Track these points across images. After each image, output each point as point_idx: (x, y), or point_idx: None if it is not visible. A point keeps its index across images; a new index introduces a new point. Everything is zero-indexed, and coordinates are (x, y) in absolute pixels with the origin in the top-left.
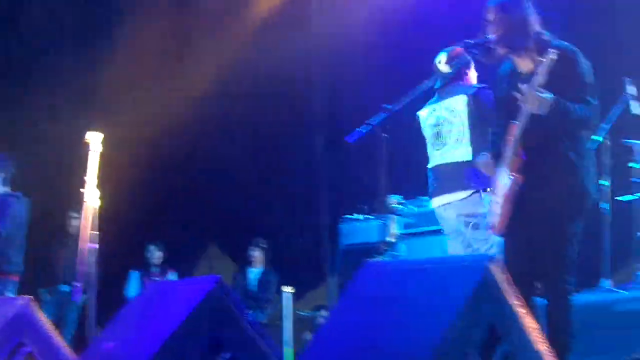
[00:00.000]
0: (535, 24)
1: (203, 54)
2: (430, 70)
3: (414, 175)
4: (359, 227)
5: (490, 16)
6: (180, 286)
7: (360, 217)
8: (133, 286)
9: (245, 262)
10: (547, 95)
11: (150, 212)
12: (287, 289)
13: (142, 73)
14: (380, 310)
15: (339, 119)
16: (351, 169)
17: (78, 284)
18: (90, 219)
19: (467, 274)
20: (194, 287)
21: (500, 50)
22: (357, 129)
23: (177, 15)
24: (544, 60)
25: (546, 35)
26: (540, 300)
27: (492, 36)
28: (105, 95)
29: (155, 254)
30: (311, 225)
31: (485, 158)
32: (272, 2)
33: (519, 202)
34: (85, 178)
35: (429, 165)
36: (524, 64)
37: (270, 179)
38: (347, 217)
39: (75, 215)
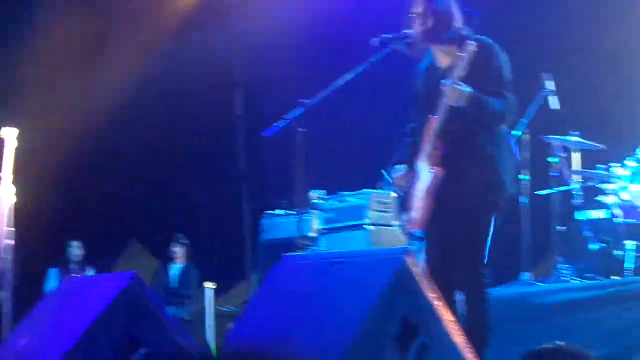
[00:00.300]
0: (458, 18)
1: (122, 50)
2: (347, 65)
3: (336, 171)
4: (280, 223)
5: (418, 8)
6: (96, 282)
7: (281, 212)
8: (52, 283)
9: (166, 259)
10: (466, 88)
11: (69, 208)
12: (209, 285)
13: (59, 69)
14: (297, 304)
15: (259, 115)
16: (272, 164)
17: None
18: (5, 215)
19: (383, 267)
20: (109, 282)
21: (420, 45)
22: (274, 124)
23: (96, 9)
24: (463, 53)
25: (466, 30)
26: (460, 294)
27: (417, 29)
28: (21, 91)
29: (75, 251)
30: (233, 221)
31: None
32: None
33: (438, 195)
34: (0, 174)
35: None
36: (443, 59)
37: (192, 175)
38: (268, 213)
39: None
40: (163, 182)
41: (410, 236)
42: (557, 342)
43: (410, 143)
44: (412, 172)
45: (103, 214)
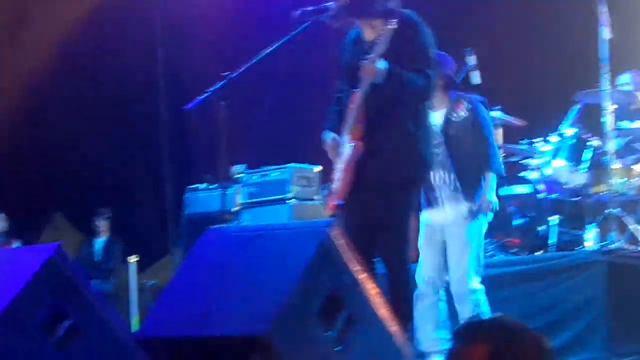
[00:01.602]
0: None
1: (42, 22)
2: (268, 39)
3: (259, 145)
4: (202, 197)
5: None
6: (19, 254)
7: (204, 186)
8: None
9: (90, 232)
10: (382, 64)
11: None
12: (132, 259)
13: None
14: (221, 277)
15: (182, 89)
16: (195, 138)
17: None
18: None
19: (307, 239)
20: (32, 254)
21: (348, 18)
22: (197, 97)
23: None
24: (385, 29)
25: (393, 4)
26: (380, 268)
27: (339, 2)
28: None
29: (3, 223)
30: (156, 196)
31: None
32: None
33: (357, 169)
34: None
35: None
36: (369, 32)
37: (115, 149)
38: (191, 187)
39: None
40: (87, 155)
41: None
42: (497, 314)
43: (335, 112)
44: (338, 141)
45: (27, 186)
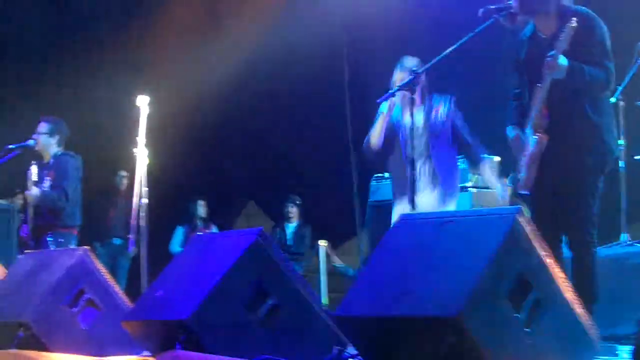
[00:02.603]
0: None
1: (236, 22)
2: (457, 34)
3: None
4: (387, 185)
5: None
6: (225, 237)
7: (388, 175)
8: (178, 239)
9: (281, 218)
10: (564, 60)
11: (195, 170)
12: (322, 243)
13: (183, 43)
14: (414, 261)
15: (365, 84)
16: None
17: (131, 237)
18: (141, 176)
19: (496, 225)
20: (238, 238)
21: (522, 15)
22: (388, 92)
23: None
24: (566, 27)
25: (566, 1)
26: (566, 253)
27: (514, 1)
28: (152, 62)
29: (202, 209)
30: (343, 183)
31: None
32: None
33: (544, 160)
34: (137, 138)
35: None
36: (545, 28)
37: (305, 141)
38: (376, 176)
39: (124, 173)
40: (278, 147)
41: (518, 196)
42: None
43: (516, 107)
44: (521, 135)
45: (225, 176)
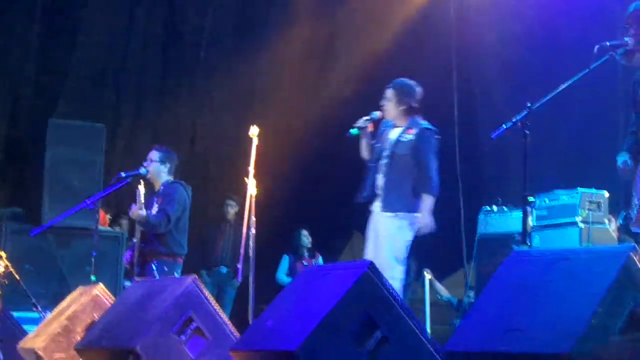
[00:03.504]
0: None
1: (346, 56)
2: (566, 70)
3: (550, 169)
4: (495, 218)
5: (630, 20)
6: (334, 269)
7: (497, 208)
8: (284, 268)
9: None
10: None
11: (300, 200)
12: (428, 274)
13: (292, 73)
14: (526, 296)
15: (474, 117)
16: (485, 164)
17: (239, 265)
18: (250, 205)
19: (609, 262)
20: (348, 270)
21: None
22: (502, 126)
23: (323, 17)
24: None
25: None
26: None
27: (630, 39)
28: (259, 94)
29: (306, 239)
30: (451, 215)
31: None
32: (415, 4)
33: None
34: (249, 168)
35: None
36: None
37: None
38: (484, 209)
39: (232, 202)
40: None
41: (630, 234)
42: None
43: (630, 139)
44: (629, 161)
45: (331, 207)
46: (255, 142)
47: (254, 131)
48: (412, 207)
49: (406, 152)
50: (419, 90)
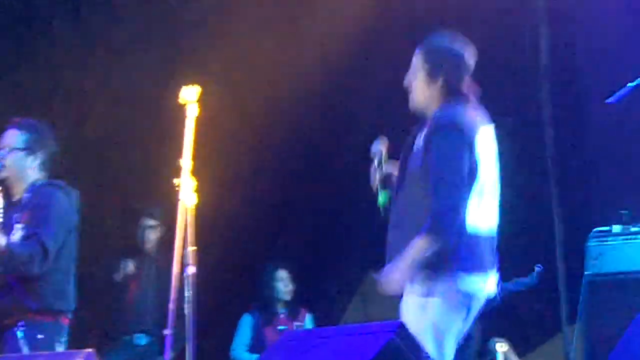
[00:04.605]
0: None
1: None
2: None
3: None
4: (617, 246)
5: None
6: (340, 335)
7: (619, 229)
8: (244, 337)
9: None
10: None
11: (269, 215)
12: (501, 347)
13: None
14: None
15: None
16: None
17: (168, 332)
18: (185, 227)
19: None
20: (364, 336)
21: None
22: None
23: None
24: None
25: None
26: None
27: None
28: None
29: (285, 286)
30: (536, 248)
31: None
32: None
33: None
34: (181, 161)
35: None
36: None
37: None
38: (597, 231)
39: (152, 222)
40: None
41: None
42: None
43: None
44: None
45: (326, 228)
46: (192, 113)
47: (188, 94)
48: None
49: (414, 169)
50: (467, 53)
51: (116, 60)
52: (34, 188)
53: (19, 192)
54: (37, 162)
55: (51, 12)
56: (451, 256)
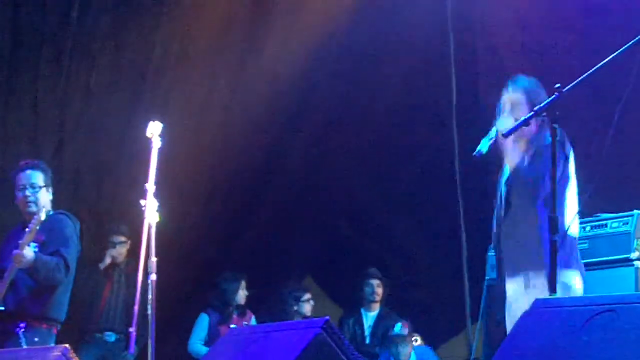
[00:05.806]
0: None
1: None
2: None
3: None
4: None
5: None
6: (277, 330)
7: None
8: (200, 334)
9: (355, 304)
10: None
11: (225, 230)
12: (416, 340)
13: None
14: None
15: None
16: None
17: (132, 330)
18: (148, 240)
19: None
20: (293, 332)
21: None
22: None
23: None
24: None
25: None
26: None
27: None
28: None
29: (238, 291)
30: (444, 257)
31: None
32: None
33: None
34: (146, 185)
35: None
36: None
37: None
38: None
39: (121, 238)
40: (343, 201)
41: None
42: None
43: None
44: None
45: (275, 239)
46: (156, 144)
47: (154, 128)
48: None
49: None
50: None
51: (92, 100)
52: (50, 216)
53: (28, 218)
54: (51, 196)
55: (37, 56)
56: None
